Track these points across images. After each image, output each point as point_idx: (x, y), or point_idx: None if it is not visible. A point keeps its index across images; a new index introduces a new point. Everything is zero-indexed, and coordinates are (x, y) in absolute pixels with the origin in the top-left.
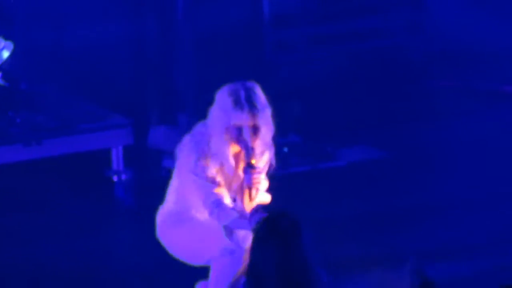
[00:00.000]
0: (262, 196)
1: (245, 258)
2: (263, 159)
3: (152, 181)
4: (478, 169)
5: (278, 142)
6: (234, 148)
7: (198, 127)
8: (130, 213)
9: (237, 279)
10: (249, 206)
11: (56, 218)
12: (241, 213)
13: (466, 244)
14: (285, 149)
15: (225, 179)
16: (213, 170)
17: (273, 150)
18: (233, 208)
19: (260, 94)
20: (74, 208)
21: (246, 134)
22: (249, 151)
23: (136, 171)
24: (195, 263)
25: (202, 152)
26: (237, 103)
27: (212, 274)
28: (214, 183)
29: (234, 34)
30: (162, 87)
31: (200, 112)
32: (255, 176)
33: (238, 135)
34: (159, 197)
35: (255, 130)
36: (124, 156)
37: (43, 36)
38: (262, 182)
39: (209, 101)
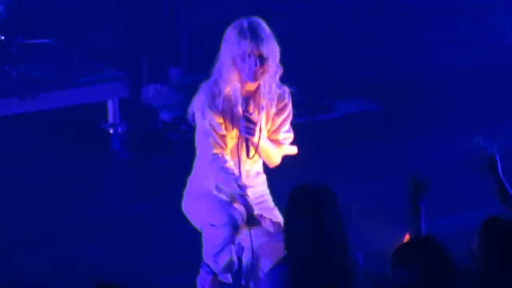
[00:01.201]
0: (288, 148)
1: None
2: (285, 112)
3: (149, 133)
4: (472, 122)
5: None
6: (246, 87)
7: (212, 71)
8: (126, 165)
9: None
10: (246, 162)
11: (53, 171)
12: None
13: (455, 197)
14: None
15: (235, 122)
16: (219, 114)
17: (287, 92)
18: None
19: (264, 26)
20: (70, 161)
21: (251, 62)
22: (245, 98)
23: (133, 123)
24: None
25: (211, 93)
26: (241, 33)
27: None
28: (218, 129)
29: None
30: (155, 41)
31: (193, 66)
32: (249, 125)
33: (243, 66)
34: (156, 150)
35: (261, 60)
36: (121, 108)
37: None
38: (283, 133)
39: (202, 55)
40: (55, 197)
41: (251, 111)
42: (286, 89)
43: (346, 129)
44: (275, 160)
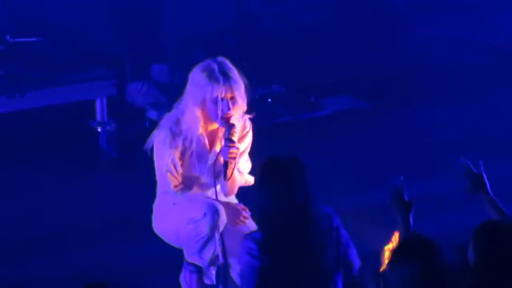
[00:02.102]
0: (247, 177)
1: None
2: (244, 142)
3: (136, 132)
4: (457, 119)
5: (262, 92)
6: (209, 126)
7: (175, 105)
8: (114, 163)
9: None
10: (227, 185)
11: (41, 170)
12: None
13: (443, 194)
14: (269, 100)
15: (195, 159)
16: (179, 151)
17: (248, 121)
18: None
19: (232, 67)
20: (58, 159)
21: (224, 106)
22: (229, 126)
23: (121, 122)
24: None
25: (172, 132)
26: (212, 77)
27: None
28: (176, 166)
29: None
30: (138, 40)
31: (179, 65)
32: (232, 150)
33: (215, 109)
34: (143, 148)
35: (233, 101)
36: (109, 107)
37: None
38: (244, 163)
39: (189, 53)
40: (43, 195)
41: (234, 138)
42: (247, 117)
43: (333, 127)
44: (236, 189)
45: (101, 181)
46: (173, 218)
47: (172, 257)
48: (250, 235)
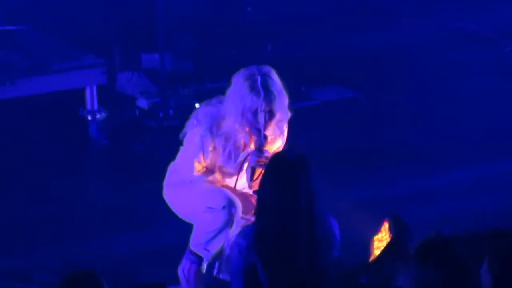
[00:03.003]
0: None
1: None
2: (275, 145)
3: (126, 120)
4: (448, 111)
5: None
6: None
7: (215, 101)
8: (104, 151)
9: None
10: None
11: (31, 158)
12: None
13: (433, 186)
14: None
15: (226, 155)
16: (213, 148)
17: (285, 130)
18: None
19: (276, 79)
20: (48, 148)
21: (261, 119)
22: (262, 138)
23: (110, 110)
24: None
25: (211, 132)
26: (253, 89)
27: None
28: (206, 157)
29: None
30: (128, 28)
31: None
32: (260, 159)
33: (252, 120)
34: (133, 136)
35: (271, 115)
36: (98, 95)
37: None
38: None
39: (179, 40)
40: (32, 183)
41: (266, 148)
42: (284, 123)
43: (323, 117)
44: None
45: (91, 170)
46: (190, 198)
47: (161, 246)
48: (242, 231)
